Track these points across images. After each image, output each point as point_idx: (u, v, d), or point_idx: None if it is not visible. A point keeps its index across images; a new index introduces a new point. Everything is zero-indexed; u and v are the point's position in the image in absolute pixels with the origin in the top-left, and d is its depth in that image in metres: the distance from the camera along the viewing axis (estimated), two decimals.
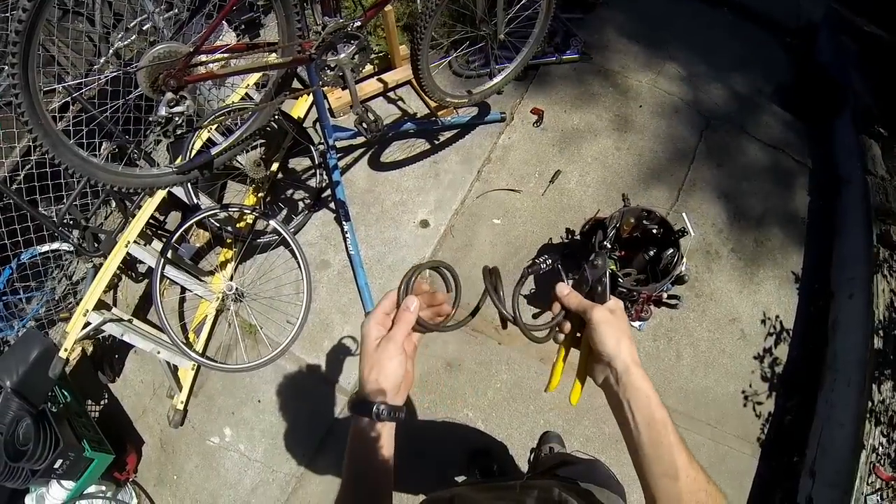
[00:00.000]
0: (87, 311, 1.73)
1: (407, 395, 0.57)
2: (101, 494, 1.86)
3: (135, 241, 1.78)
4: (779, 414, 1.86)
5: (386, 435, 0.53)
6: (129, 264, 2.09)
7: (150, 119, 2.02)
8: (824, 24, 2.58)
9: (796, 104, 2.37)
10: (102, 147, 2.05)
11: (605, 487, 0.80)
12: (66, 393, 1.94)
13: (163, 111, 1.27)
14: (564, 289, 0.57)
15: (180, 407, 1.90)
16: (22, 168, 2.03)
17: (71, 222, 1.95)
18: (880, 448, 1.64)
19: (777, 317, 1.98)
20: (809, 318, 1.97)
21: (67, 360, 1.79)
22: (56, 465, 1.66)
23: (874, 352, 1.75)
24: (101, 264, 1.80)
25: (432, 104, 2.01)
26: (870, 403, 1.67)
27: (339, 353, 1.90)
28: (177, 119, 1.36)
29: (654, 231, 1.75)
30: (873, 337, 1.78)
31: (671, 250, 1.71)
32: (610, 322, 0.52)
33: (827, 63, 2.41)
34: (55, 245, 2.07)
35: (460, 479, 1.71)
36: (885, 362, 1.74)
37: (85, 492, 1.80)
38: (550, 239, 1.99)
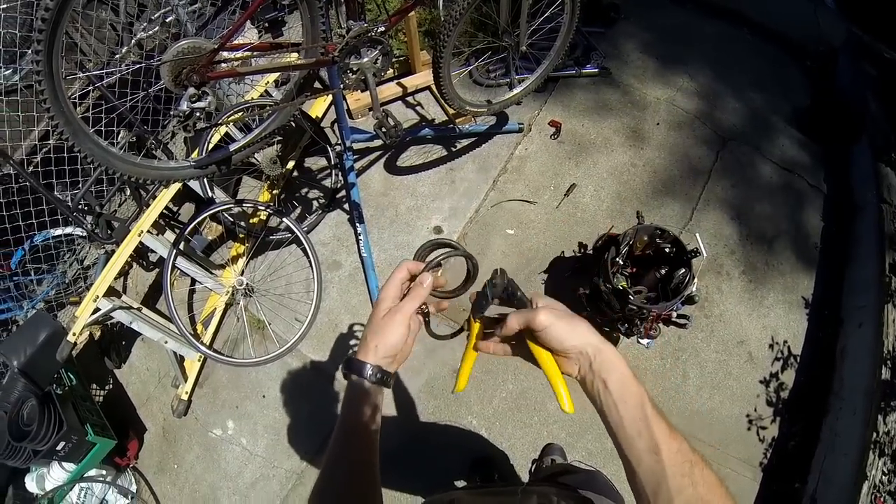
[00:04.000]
0: (98, 296, 1.74)
1: (398, 367, 0.58)
2: (101, 478, 1.88)
3: (148, 231, 1.79)
4: (782, 439, 1.85)
5: (375, 399, 0.53)
6: (140, 253, 2.11)
7: (171, 113, 2.05)
8: (844, 49, 2.57)
9: (813, 128, 2.35)
10: (120, 136, 2.07)
11: (604, 496, 0.79)
12: (71, 376, 1.95)
13: (184, 106, 1.28)
14: (510, 320, 0.53)
15: (185, 397, 1.91)
16: (39, 151, 2.05)
17: (85, 208, 1.97)
18: (883, 480, 1.63)
19: (785, 341, 1.97)
20: (817, 344, 1.96)
21: (75, 343, 1.80)
22: (58, 447, 1.68)
23: (881, 382, 1.73)
24: (114, 251, 1.81)
25: (451, 111, 2.01)
26: (874, 434, 1.67)
27: (346, 354, 1.90)
28: (197, 114, 1.37)
29: (667, 250, 1.75)
30: (881, 367, 1.77)
31: (683, 270, 1.71)
32: (559, 316, 0.50)
33: (846, 88, 2.40)
34: (68, 229, 2.09)
35: (460, 484, 1.71)
36: (893, 393, 1.73)
37: (85, 475, 1.81)
38: (563, 252, 1.99)
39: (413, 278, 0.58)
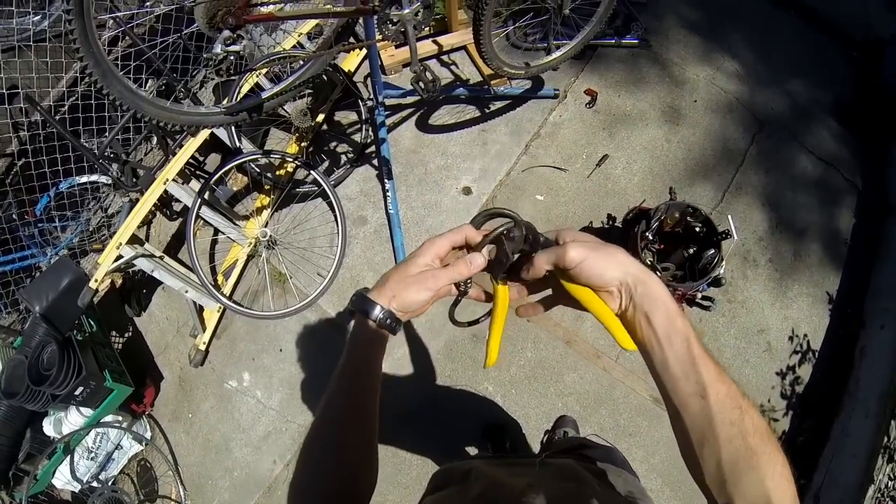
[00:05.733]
0: (121, 244, 1.75)
1: (409, 318, 0.53)
2: (116, 424, 1.91)
3: (173, 179, 1.78)
4: (792, 434, 1.84)
5: (379, 341, 0.50)
6: (164, 202, 2.11)
7: (205, 55, 2.02)
8: (893, 43, 2.46)
9: (854, 121, 2.27)
10: (148, 84, 2.05)
11: (623, 470, 0.77)
12: (92, 323, 1.97)
13: (218, 48, 1.25)
14: (538, 260, 0.48)
15: (202, 347, 1.93)
16: (67, 99, 2.04)
17: (111, 156, 1.96)
18: (889, 485, 1.61)
19: (805, 335, 1.94)
20: (837, 342, 1.93)
21: (97, 290, 1.81)
22: (77, 392, 1.70)
23: None
24: (138, 199, 1.81)
25: (486, 72, 1.97)
26: (886, 439, 1.65)
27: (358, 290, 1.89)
28: (231, 58, 1.34)
29: (697, 229, 1.72)
30: None
31: (712, 251, 1.68)
32: (592, 248, 0.45)
33: (891, 83, 2.31)
34: (94, 177, 2.09)
35: (471, 450, 1.71)
36: None
37: (102, 420, 1.85)
38: (591, 223, 1.96)
39: (466, 248, 0.52)
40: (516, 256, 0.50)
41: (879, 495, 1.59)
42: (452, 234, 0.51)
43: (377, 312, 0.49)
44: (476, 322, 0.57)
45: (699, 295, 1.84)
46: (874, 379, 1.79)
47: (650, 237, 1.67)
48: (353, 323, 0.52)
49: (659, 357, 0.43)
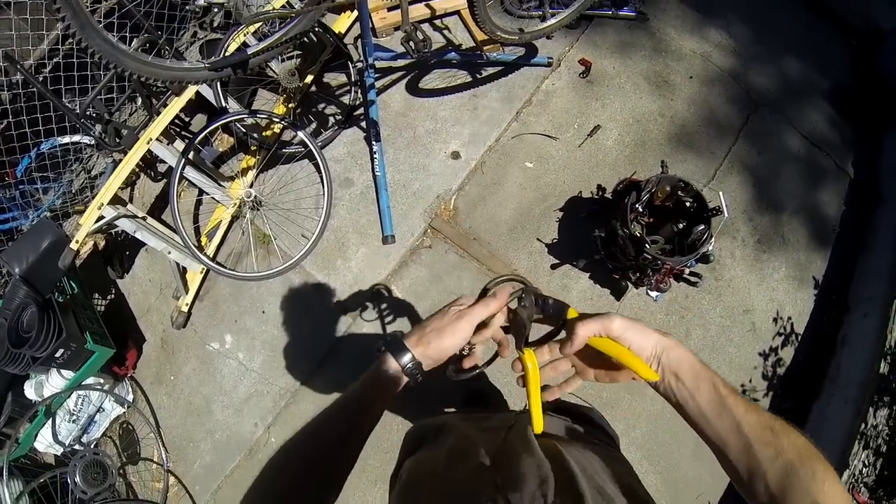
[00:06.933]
0: (103, 204, 1.72)
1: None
2: (98, 387, 1.89)
3: (157, 139, 1.74)
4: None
5: (397, 386, 0.53)
6: (148, 162, 2.07)
7: (188, 7, 1.97)
8: (893, 34, 2.45)
9: (849, 108, 2.27)
10: (133, 43, 1.99)
11: (601, 426, 0.82)
12: (73, 285, 1.95)
13: (202, 0, 1.21)
14: (582, 330, 0.52)
15: (185, 309, 1.91)
16: (50, 59, 1.98)
17: (94, 115, 1.92)
18: (863, 471, 1.64)
19: (789, 318, 1.95)
20: (820, 326, 1.94)
21: (78, 252, 1.78)
22: (57, 355, 1.68)
23: (878, 375, 1.72)
24: (121, 159, 1.77)
25: (480, 37, 1.94)
26: (863, 425, 1.67)
27: (349, 275, 1.88)
28: (215, 10, 1.30)
29: (688, 204, 1.70)
30: (881, 360, 1.76)
31: (702, 227, 1.67)
32: (631, 323, 0.51)
33: (888, 72, 2.30)
34: (76, 137, 2.04)
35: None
36: (887, 388, 1.72)
37: (83, 383, 1.83)
38: (580, 192, 1.95)
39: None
40: (531, 322, 0.55)
41: (854, 481, 1.62)
42: (494, 301, 0.55)
43: (407, 360, 0.53)
44: (474, 369, 0.59)
45: (687, 270, 1.83)
46: (855, 366, 1.81)
47: (640, 209, 1.66)
48: (377, 362, 0.54)
49: (693, 406, 0.49)
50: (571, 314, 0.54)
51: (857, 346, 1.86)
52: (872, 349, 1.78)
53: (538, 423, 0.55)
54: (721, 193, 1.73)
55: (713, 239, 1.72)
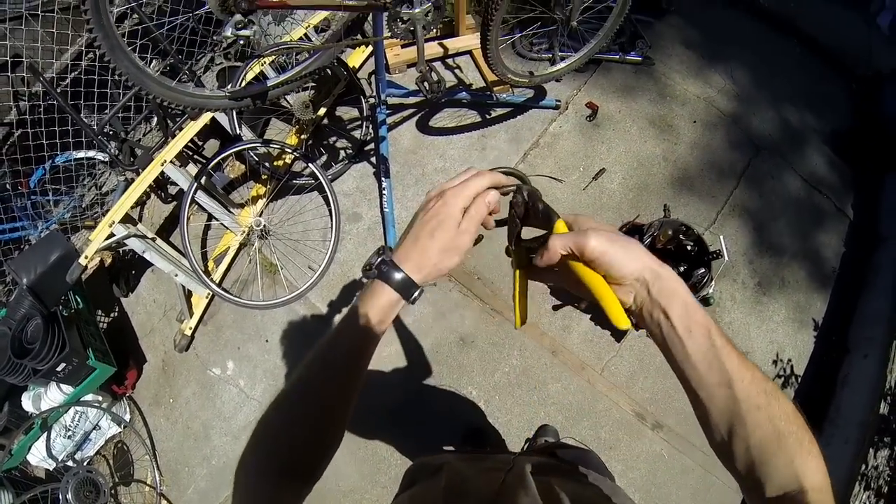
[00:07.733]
0: (114, 222, 1.73)
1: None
2: (96, 404, 1.89)
3: (171, 161, 1.77)
4: None
5: (393, 308, 0.47)
6: (160, 184, 2.10)
7: (214, 38, 2.02)
8: (892, 78, 2.51)
9: (849, 152, 2.32)
10: (153, 64, 2.04)
11: (596, 472, 0.76)
12: (79, 300, 1.96)
13: (228, 31, 1.25)
14: (553, 244, 0.45)
15: (188, 332, 1.91)
16: (70, 73, 2.03)
17: (111, 133, 1.96)
18: None
19: (789, 360, 1.96)
20: (821, 367, 1.95)
21: (86, 267, 1.79)
22: (58, 369, 1.68)
23: (878, 416, 1.73)
24: (134, 179, 1.80)
25: (490, 78, 1.98)
26: (864, 466, 1.67)
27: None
28: (240, 42, 1.34)
29: (689, 248, 1.73)
30: (881, 401, 1.77)
31: (702, 270, 1.69)
32: (612, 240, 0.43)
33: (888, 116, 2.36)
34: (91, 153, 2.07)
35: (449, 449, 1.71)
36: (887, 429, 1.73)
37: (82, 399, 1.83)
38: None
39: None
40: (522, 222, 0.50)
41: None
42: (478, 179, 0.48)
43: (410, 290, 0.46)
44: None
45: None
46: (855, 406, 1.82)
47: None
48: (371, 284, 0.48)
49: (680, 350, 0.42)
50: (559, 227, 0.46)
51: (857, 386, 1.87)
52: (873, 390, 1.79)
53: (520, 318, 0.52)
54: (721, 237, 1.77)
55: (713, 282, 1.74)
